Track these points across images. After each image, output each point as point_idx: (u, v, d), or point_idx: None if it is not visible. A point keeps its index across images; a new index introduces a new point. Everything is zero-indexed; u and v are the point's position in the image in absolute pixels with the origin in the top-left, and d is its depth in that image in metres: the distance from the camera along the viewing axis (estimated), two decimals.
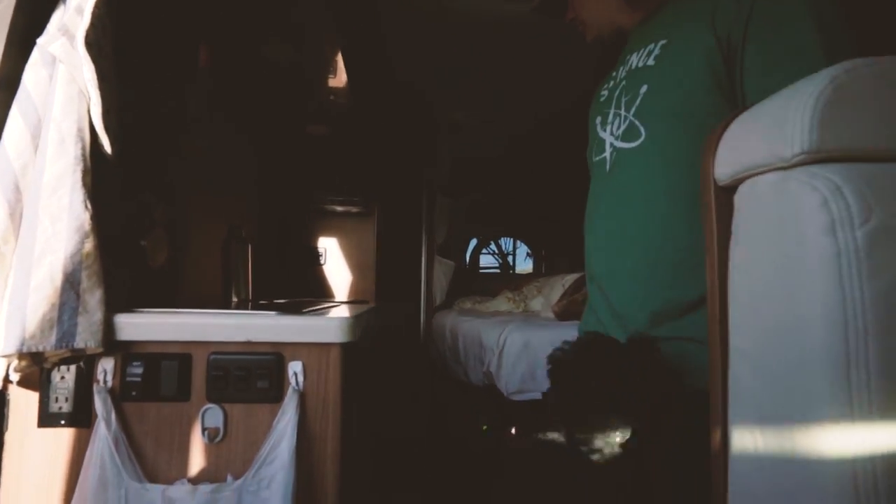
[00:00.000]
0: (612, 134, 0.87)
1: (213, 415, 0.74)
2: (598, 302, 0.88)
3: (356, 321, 0.79)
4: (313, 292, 1.94)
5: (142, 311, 0.76)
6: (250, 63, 1.28)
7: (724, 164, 0.56)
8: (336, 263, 1.98)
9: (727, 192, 0.57)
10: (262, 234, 1.88)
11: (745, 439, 0.51)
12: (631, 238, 0.80)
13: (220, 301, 1.37)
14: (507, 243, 3.97)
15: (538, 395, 1.59)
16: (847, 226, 0.42)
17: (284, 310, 0.82)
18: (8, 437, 0.71)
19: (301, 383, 0.74)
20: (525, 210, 3.61)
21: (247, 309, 1.28)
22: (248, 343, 0.74)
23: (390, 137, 2.14)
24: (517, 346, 1.59)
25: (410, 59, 1.82)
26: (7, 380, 0.67)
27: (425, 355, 2.35)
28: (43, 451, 0.71)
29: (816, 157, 0.45)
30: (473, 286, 3.47)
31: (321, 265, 1.96)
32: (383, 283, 2.04)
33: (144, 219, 1.07)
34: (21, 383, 0.72)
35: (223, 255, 1.41)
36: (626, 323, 0.80)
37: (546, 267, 3.71)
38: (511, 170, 3.26)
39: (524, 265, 3.98)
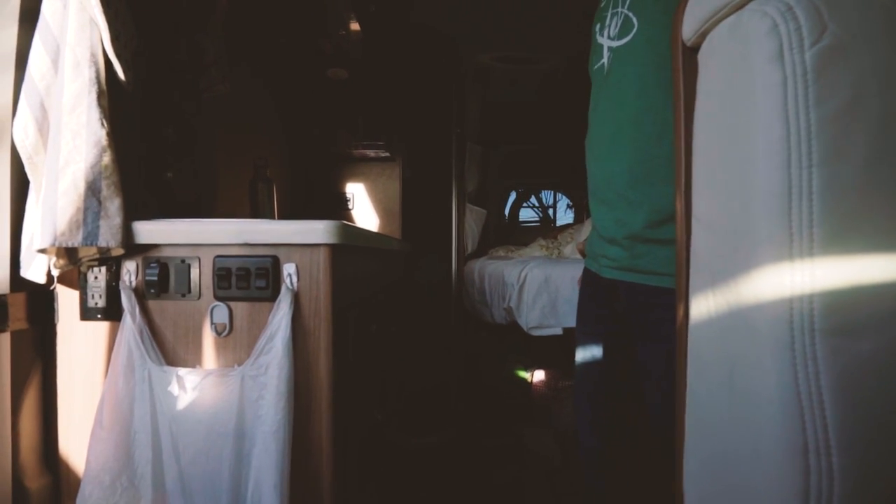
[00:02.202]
0: (608, 37, 0.84)
1: (220, 311, 0.82)
2: (598, 214, 0.86)
3: (344, 226, 0.82)
4: None
5: (158, 220, 0.85)
6: (263, 2, 1.31)
7: (691, 19, 0.51)
8: (364, 208, 2.05)
9: (694, 52, 0.53)
10: (292, 180, 1.98)
11: (701, 307, 0.50)
12: (627, 138, 0.78)
13: None
14: (547, 196, 3.87)
15: (559, 331, 1.58)
16: (796, 48, 0.38)
17: (278, 218, 0.87)
18: (59, 328, 0.84)
19: (295, 283, 0.80)
20: (562, 160, 3.48)
21: None
22: (247, 245, 0.80)
23: (414, 82, 2.12)
24: (537, 280, 1.59)
25: None
26: (50, 275, 0.79)
27: (457, 302, 2.40)
28: (85, 339, 0.83)
29: None
30: (512, 238, 3.45)
31: (349, 210, 2.03)
32: (411, 229, 2.08)
33: (167, 154, 1.17)
34: (64, 282, 0.83)
35: (250, 193, 1.50)
36: (625, 229, 0.78)
37: (587, 216, 3.59)
38: (546, 116, 3.13)
39: (566, 218, 3.87)
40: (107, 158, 0.79)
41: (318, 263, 0.80)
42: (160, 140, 1.13)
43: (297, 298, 0.80)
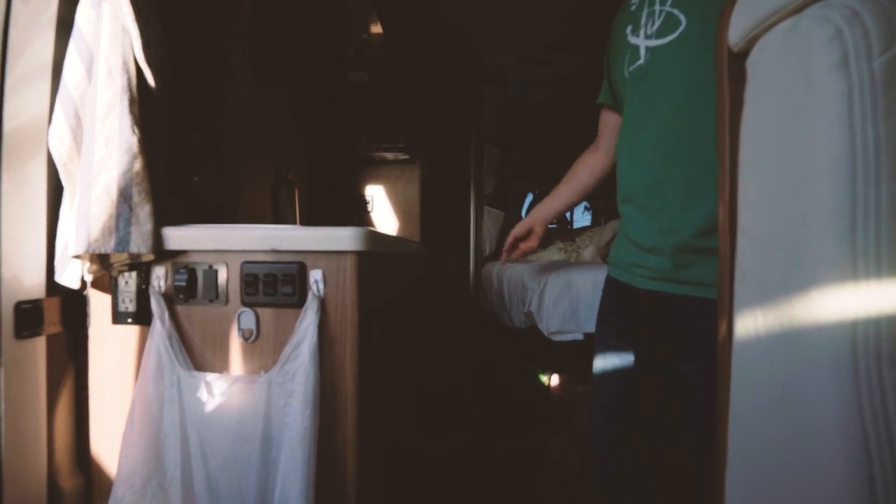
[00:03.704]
0: (645, 36, 0.79)
1: (248, 317, 0.82)
2: (636, 223, 0.82)
3: (371, 233, 0.82)
4: None
5: (186, 226, 0.85)
6: (287, 6, 1.32)
7: (738, 24, 0.49)
8: (383, 211, 2.05)
9: (741, 58, 0.50)
10: (312, 183, 1.99)
11: (748, 324, 0.47)
12: (676, 141, 0.73)
13: None
14: None
15: (580, 336, 1.56)
16: (863, 57, 0.36)
17: (305, 224, 0.87)
18: (91, 331, 0.85)
19: (321, 290, 0.80)
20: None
21: None
22: (274, 252, 0.81)
23: (433, 84, 2.11)
24: (559, 284, 1.57)
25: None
26: (83, 280, 0.80)
27: (475, 305, 2.38)
28: (116, 343, 0.84)
29: None
30: None
31: (368, 212, 2.03)
32: (430, 231, 2.07)
33: (193, 158, 1.18)
34: (96, 286, 0.85)
35: (272, 196, 1.52)
36: (672, 238, 0.74)
37: (605, 220, 3.54)
38: (563, 118, 3.10)
39: (583, 220, 3.82)
40: (138, 165, 0.80)
41: (344, 270, 0.80)
42: (186, 145, 1.14)
43: (323, 305, 0.80)
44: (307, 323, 0.78)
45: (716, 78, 0.53)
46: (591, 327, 1.56)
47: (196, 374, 0.79)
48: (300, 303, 0.80)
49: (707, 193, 0.68)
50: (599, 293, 1.56)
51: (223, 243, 0.82)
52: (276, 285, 0.80)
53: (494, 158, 2.68)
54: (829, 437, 0.36)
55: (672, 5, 0.75)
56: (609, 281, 0.94)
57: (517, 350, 2.40)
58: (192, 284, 0.82)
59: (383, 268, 1.03)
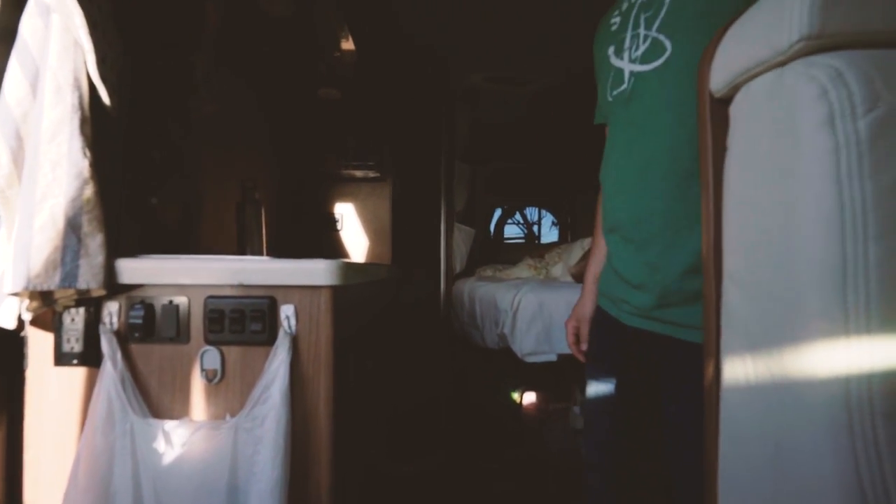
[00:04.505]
0: (629, 60, 0.76)
1: (211, 356, 0.76)
2: (622, 255, 0.79)
3: (347, 266, 0.78)
4: (330, 257, 1.97)
5: (144, 257, 0.79)
6: (256, 21, 1.27)
7: (720, 72, 0.50)
8: (353, 229, 2.00)
9: (723, 104, 0.51)
10: (280, 200, 1.92)
11: (737, 370, 0.48)
12: (663, 171, 0.70)
13: None
14: (532, 213, 3.89)
15: (553, 357, 1.56)
16: (848, 116, 0.37)
17: (275, 255, 0.83)
18: (29, 374, 0.76)
19: (293, 327, 0.75)
20: (549, 178, 3.51)
21: None
22: (242, 286, 0.75)
23: (405, 102, 2.10)
24: (532, 306, 1.57)
25: (419, 15, 1.77)
26: (20, 319, 0.72)
27: (446, 323, 2.36)
28: (59, 387, 0.76)
29: (817, 45, 0.39)
30: (498, 256, 3.44)
31: (338, 231, 1.98)
32: (400, 250, 2.04)
33: (153, 178, 1.11)
34: (37, 325, 0.76)
35: (237, 216, 1.44)
36: (660, 275, 0.71)
37: (572, 236, 3.62)
38: (532, 136, 3.16)
39: (550, 235, 3.89)
40: (89, 191, 0.73)
41: (318, 306, 0.76)
42: (145, 164, 1.06)
43: (295, 343, 0.75)
44: (278, 362, 0.73)
45: (698, 122, 0.54)
46: (564, 348, 1.56)
47: (152, 421, 0.72)
48: (270, 340, 0.75)
49: (693, 229, 0.65)
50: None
51: (185, 276, 0.76)
52: (243, 322, 0.75)
53: (465, 175, 2.69)
54: (827, 497, 0.36)
55: (658, 30, 0.72)
56: (598, 311, 0.90)
57: (489, 368, 2.39)
58: (149, 321, 0.75)
59: (357, 297, 0.99)
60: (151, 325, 0.76)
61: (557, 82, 2.39)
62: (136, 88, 1.04)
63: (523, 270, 2.54)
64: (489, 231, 3.72)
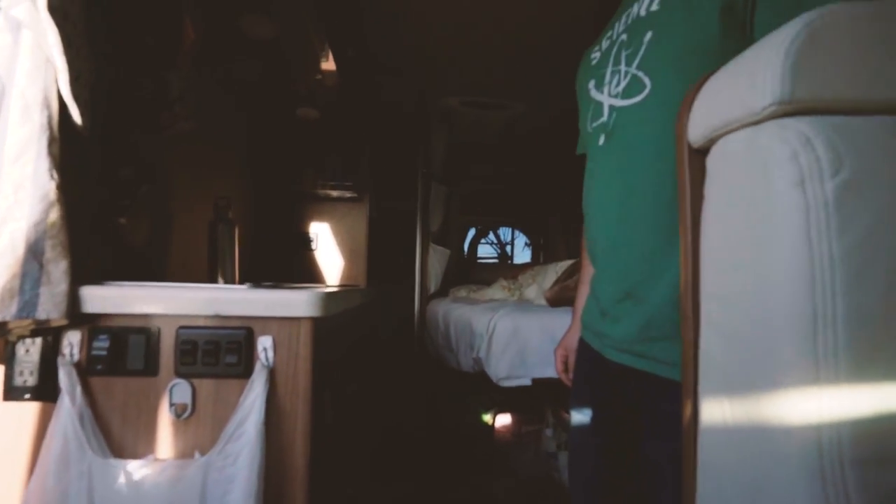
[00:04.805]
0: (609, 94, 0.78)
1: (182, 390, 0.72)
2: (602, 284, 0.80)
3: (328, 296, 0.77)
4: (304, 277, 1.93)
5: (110, 284, 0.75)
6: (236, 41, 1.25)
7: (697, 125, 0.53)
8: (328, 249, 1.97)
9: (701, 154, 0.54)
10: (256, 219, 1.87)
11: (714, 411, 0.49)
12: (643, 203, 0.71)
13: (205, 282, 1.36)
14: (505, 233, 3.95)
15: (528, 382, 1.57)
16: (816, 179, 0.40)
17: (253, 284, 0.80)
18: None
19: (271, 359, 0.73)
20: (523, 199, 3.58)
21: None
22: (218, 317, 0.73)
23: (384, 123, 2.11)
24: (507, 331, 1.58)
25: (397, 40, 1.79)
26: None
27: (420, 344, 2.34)
28: (7, 424, 0.70)
29: (788, 109, 0.42)
30: (472, 276, 3.46)
31: (312, 250, 1.94)
32: (375, 270, 2.02)
33: (124, 197, 1.06)
34: None
35: (209, 236, 1.40)
36: (640, 306, 0.71)
37: (544, 256, 3.69)
38: (508, 157, 3.23)
39: (523, 256, 3.96)
40: (54, 215, 0.69)
41: (297, 338, 0.74)
42: (115, 184, 1.02)
43: (272, 375, 0.73)
44: (254, 396, 0.70)
45: (677, 171, 0.56)
46: (538, 372, 1.58)
47: (113, 461, 0.68)
48: (246, 373, 0.72)
49: (670, 263, 0.67)
50: (546, 338, 1.59)
51: (157, 305, 0.72)
52: (218, 353, 0.72)
53: (441, 196, 2.71)
54: None
55: (637, 67, 0.73)
56: (582, 343, 0.90)
57: (461, 389, 2.37)
58: (114, 352, 0.71)
59: (337, 325, 0.98)
60: (117, 357, 0.72)
61: (533, 109, 2.46)
62: (109, 105, 1.00)
63: (497, 291, 2.56)
64: (463, 250, 3.75)
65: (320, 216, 1.96)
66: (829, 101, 0.42)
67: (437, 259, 2.60)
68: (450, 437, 2.34)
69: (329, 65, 1.36)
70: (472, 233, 3.85)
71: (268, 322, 0.73)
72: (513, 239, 3.93)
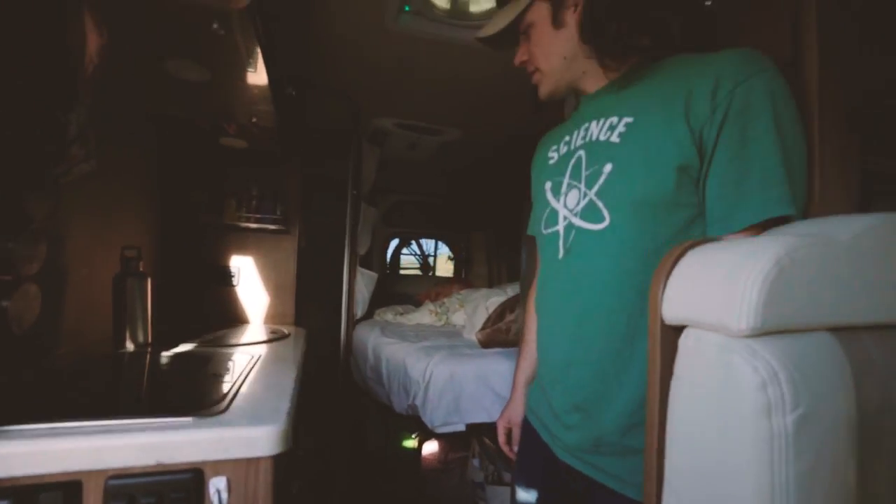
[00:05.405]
0: (566, 206, 0.79)
1: None
2: (553, 392, 0.82)
3: (294, 425, 0.71)
4: (224, 316, 1.76)
5: (8, 430, 0.61)
6: (159, 77, 1.08)
7: (673, 307, 0.59)
8: (251, 283, 1.81)
9: (674, 331, 0.60)
10: (163, 255, 1.65)
11: None
12: (595, 328, 0.74)
13: (110, 350, 1.17)
14: (428, 245, 3.97)
15: (462, 427, 1.62)
16: (780, 411, 0.46)
17: (199, 412, 0.72)
18: None
19: (225, 501, 0.66)
20: (448, 213, 3.63)
21: (146, 354, 1.12)
22: (159, 465, 0.64)
23: (314, 147, 1.98)
24: (443, 378, 1.61)
25: (331, 68, 1.69)
26: None
27: (345, 370, 2.28)
28: None
29: (757, 334, 0.49)
30: (395, 288, 3.43)
31: (234, 286, 1.78)
32: (303, 303, 1.91)
33: (6, 274, 0.87)
34: None
35: (115, 294, 1.21)
36: (592, 423, 0.74)
37: (466, 271, 3.79)
38: (436, 173, 3.24)
39: (445, 269, 4.02)
40: None
41: (257, 478, 0.67)
42: None
43: None
44: None
45: (649, 345, 0.62)
46: (472, 418, 1.63)
47: None
48: None
49: (622, 386, 0.71)
50: (480, 384, 1.65)
51: (78, 461, 0.61)
52: None
53: (370, 219, 2.63)
54: None
55: (597, 195, 0.74)
56: (528, 425, 0.92)
57: (386, 415, 2.37)
58: None
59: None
60: None
61: (469, 136, 2.48)
62: None
63: (425, 315, 2.58)
64: (386, 261, 3.70)
65: (243, 249, 1.79)
66: (791, 326, 0.49)
67: (365, 283, 2.54)
68: (375, 461, 2.34)
69: (266, 105, 1.24)
70: (395, 242, 3.81)
71: (221, 464, 0.66)
72: (436, 251, 3.97)
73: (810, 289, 0.50)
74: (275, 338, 1.47)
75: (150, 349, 1.22)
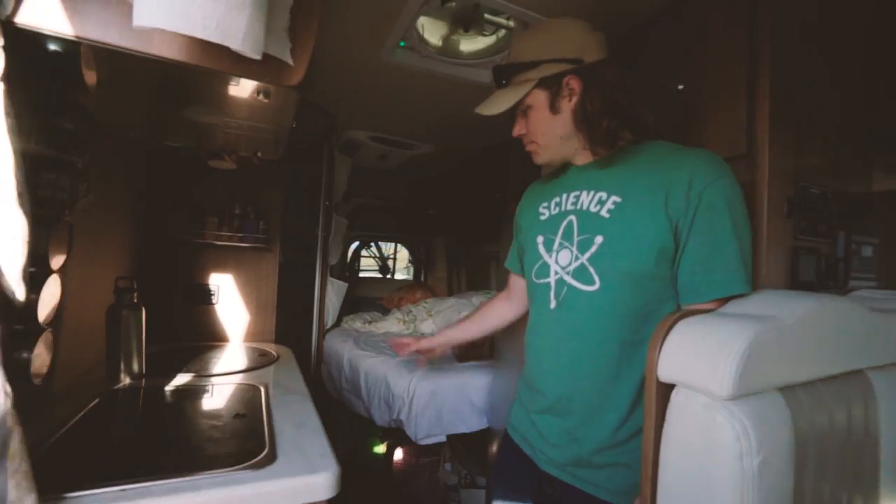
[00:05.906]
0: (558, 263, 0.90)
1: None
2: (539, 414, 0.94)
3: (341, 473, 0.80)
4: (204, 335, 1.74)
5: (81, 496, 0.64)
6: (168, 118, 1.07)
7: (666, 369, 0.75)
8: (231, 301, 1.80)
9: (665, 387, 0.76)
10: (141, 274, 1.60)
11: None
12: (586, 371, 0.86)
13: (104, 384, 1.16)
14: (387, 248, 4.02)
15: (443, 438, 1.75)
16: (749, 457, 0.64)
17: (252, 462, 0.78)
18: None
19: None
20: (410, 218, 3.69)
21: (147, 389, 1.13)
22: None
23: (293, 161, 1.98)
24: (426, 393, 1.72)
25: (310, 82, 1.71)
26: None
27: (317, 379, 2.32)
28: None
29: (735, 397, 0.66)
30: (356, 292, 3.46)
31: (213, 304, 1.76)
32: (283, 319, 1.93)
33: (25, 324, 0.86)
34: None
35: (109, 326, 1.19)
36: (577, 444, 0.87)
37: (425, 276, 3.89)
38: (403, 181, 3.29)
39: (405, 271, 4.09)
40: (14, 444, 0.57)
41: None
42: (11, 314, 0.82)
43: None
44: None
45: (645, 397, 0.77)
46: (452, 429, 1.77)
47: None
48: None
49: (608, 411, 0.84)
50: (460, 398, 1.79)
51: None
52: None
53: (341, 230, 2.66)
54: None
55: (589, 261, 0.84)
56: (509, 441, 1.01)
57: (357, 422, 2.45)
58: None
59: None
60: None
61: (440, 150, 2.57)
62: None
63: (392, 324, 2.66)
64: (345, 262, 3.71)
65: (223, 267, 1.77)
66: (753, 390, 0.67)
67: (335, 292, 2.57)
68: (350, 468, 2.41)
69: (278, 143, 1.26)
70: (355, 245, 3.82)
71: None
72: (395, 253, 4.03)
73: (767, 362, 0.68)
74: (266, 362, 1.50)
75: (143, 381, 1.22)
